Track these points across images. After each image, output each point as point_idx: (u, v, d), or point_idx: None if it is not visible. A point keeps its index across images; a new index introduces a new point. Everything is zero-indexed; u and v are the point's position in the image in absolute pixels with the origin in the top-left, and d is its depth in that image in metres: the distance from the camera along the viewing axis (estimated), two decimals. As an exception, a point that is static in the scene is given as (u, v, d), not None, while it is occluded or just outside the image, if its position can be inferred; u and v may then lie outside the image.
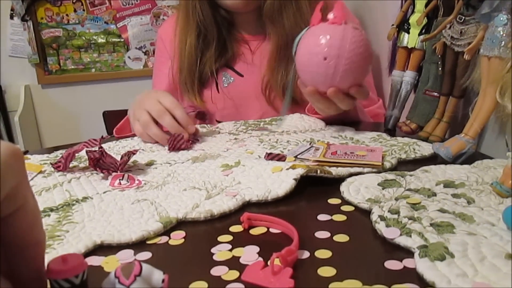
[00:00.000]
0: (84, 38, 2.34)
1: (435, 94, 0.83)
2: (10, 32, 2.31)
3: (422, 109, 0.85)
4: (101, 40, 2.34)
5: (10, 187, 0.26)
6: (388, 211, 0.50)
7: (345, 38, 0.77)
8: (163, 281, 0.36)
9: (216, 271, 0.41)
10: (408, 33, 0.89)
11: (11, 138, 2.30)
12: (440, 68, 0.80)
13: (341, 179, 0.61)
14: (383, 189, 0.57)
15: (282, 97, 1.05)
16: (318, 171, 0.61)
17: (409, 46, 0.88)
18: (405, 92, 0.89)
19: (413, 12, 0.89)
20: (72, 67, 2.34)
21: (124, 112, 1.40)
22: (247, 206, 0.56)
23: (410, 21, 0.88)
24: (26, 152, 0.90)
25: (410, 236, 0.44)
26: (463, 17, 0.74)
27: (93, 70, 2.32)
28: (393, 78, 0.92)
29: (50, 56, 2.33)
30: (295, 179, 0.59)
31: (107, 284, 0.35)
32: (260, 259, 0.43)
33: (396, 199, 0.53)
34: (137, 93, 0.99)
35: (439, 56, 0.79)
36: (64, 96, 2.34)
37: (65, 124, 2.35)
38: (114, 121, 1.35)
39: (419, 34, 0.87)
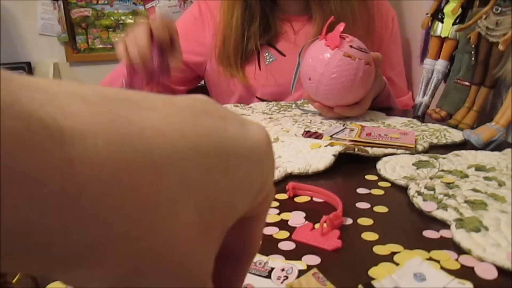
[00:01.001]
0: (112, 18, 2.38)
1: (467, 83, 0.85)
2: (40, 11, 2.36)
3: (453, 97, 0.87)
4: (129, 20, 2.38)
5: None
6: (425, 188, 0.53)
7: (329, 65, 0.82)
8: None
9: (267, 230, 0.45)
10: (442, 22, 0.91)
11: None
12: (473, 58, 0.82)
13: (376, 158, 0.64)
14: (417, 168, 0.60)
15: None
16: (356, 149, 0.64)
17: (442, 36, 0.90)
18: (436, 80, 0.92)
19: (447, 1, 0.91)
20: (100, 46, 2.39)
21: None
22: (288, 178, 0.59)
23: (444, 10, 0.90)
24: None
25: (446, 210, 0.48)
26: (500, 8, 0.76)
27: (121, 49, 2.37)
28: (425, 66, 0.94)
29: (78, 35, 2.38)
30: (334, 155, 0.62)
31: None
32: (307, 222, 0.46)
33: (431, 178, 0.57)
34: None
35: (473, 46, 0.81)
36: (91, 74, 2.39)
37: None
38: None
39: (453, 24, 0.89)
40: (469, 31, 0.83)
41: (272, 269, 0.37)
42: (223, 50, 1.09)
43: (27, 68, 2.36)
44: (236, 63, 1.08)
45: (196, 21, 1.16)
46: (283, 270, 0.36)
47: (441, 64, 0.91)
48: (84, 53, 2.39)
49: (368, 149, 0.67)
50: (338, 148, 0.64)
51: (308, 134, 0.74)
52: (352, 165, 0.64)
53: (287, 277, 0.35)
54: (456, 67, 0.88)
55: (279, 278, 0.36)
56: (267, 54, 1.11)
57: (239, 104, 1.06)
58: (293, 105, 1.02)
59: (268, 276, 0.36)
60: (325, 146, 0.66)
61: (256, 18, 1.06)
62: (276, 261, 0.38)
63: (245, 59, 1.09)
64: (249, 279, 0.37)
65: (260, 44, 1.07)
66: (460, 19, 0.88)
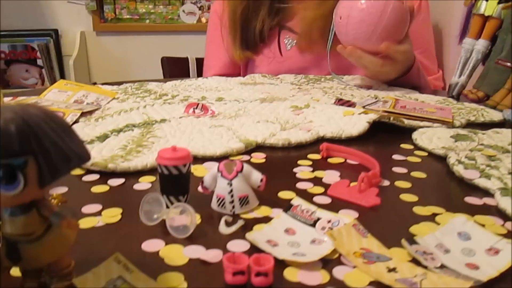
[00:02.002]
0: (140, -11, 2.37)
1: (508, 64, 0.81)
2: (69, -21, 2.36)
3: (492, 78, 0.83)
4: (157, -8, 2.36)
5: None
6: (465, 157, 0.50)
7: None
8: (261, 180, 0.38)
9: (301, 185, 0.44)
10: (487, 0, 0.86)
11: (65, 80, 2.38)
12: (518, 37, 0.78)
13: (411, 130, 0.62)
14: (455, 141, 0.58)
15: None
16: (391, 118, 0.62)
17: (486, 14, 0.86)
18: (475, 60, 0.88)
19: (494, -21, 0.87)
20: (127, 16, 2.38)
21: (181, 60, 1.44)
22: (320, 141, 0.57)
23: (490, -12, 0.86)
24: (94, 83, 0.94)
25: (490, 179, 0.45)
26: (552, -15, 0.72)
27: (147, 21, 2.36)
28: (464, 46, 0.90)
29: (106, 4, 2.38)
30: (368, 122, 0.60)
31: (209, 177, 0.38)
32: (343, 179, 0.45)
33: (471, 150, 0.54)
34: (188, 47, 1.02)
35: (519, 24, 0.78)
36: (116, 44, 2.39)
37: (116, 70, 2.41)
38: (173, 66, 1.39)
39: (499, 3, 0.85)
40: (515, 8, 0.79)
41: (319, 219, 0.35)
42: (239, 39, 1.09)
43: (54, 35, 2.36)
44: (254, 47, 1.08)
45: (217, 26, 1.17)
46: (329, 221, 0.35)
47: (481, 44, 0.87)
48: (111, 22, 2.39)
49: (404, 120, 0.64)
50: (372, 116, 0.62)
51: (340, 102, 0.71)
52: (386, 135, 0.61)
53: (331, 229, 0.34)
54: (498, 47, 0.84)
55: (323, 228, 0.34)
56: (286, 40, 1.10)
57: (267, 75, 1.04)
58: (322, 78, 1.00)
59: (313, 225, 0.35)
60: (359, 114, 0.64)
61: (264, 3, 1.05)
62: (324, 212, 0.36)
63: (264, 44, 1.08)
64: (293, 224, 0.35)
65: (274, 25, 1.07)
66: (506, -4, 0.83)
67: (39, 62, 2.37)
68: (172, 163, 0.37)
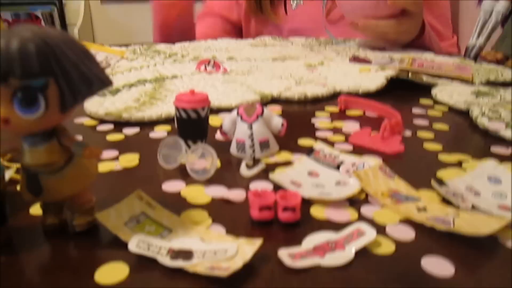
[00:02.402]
0: (145, -44, 2.31)
1: (529, 23, 0.79)
2: None
3: None
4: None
5: None
6: (489, 111, 0.49)
7: None
8: (282, 125, 0.37)
9: (320, 134, 0.42)
10: (508, -43, 0.83)
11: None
12: (540, -5, 0.76)
13: (429, 86, 0.60)
14: (476, 97, 0.56)
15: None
16: (410, 74, 0.60)
17: (507, -28, 0.83)
18: (495, 21, 0.85)
19: None
20: (132, -16, 2.34)
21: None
22: (336, 96, 0.56)
23: None
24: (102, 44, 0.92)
25: (516, 129, 0.44)
26: None
27: (152, -11, 2.32)
28: (483, 7, 0.87)
29: (110, -29, 2.33)
30: (386, 78, 0.58)
31: (228, 121, 0.37)
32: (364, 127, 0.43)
33: (494, 105, 0.52)
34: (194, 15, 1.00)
35: (543, -19, 0.75)
36: (121, 12, 2.35)
37: (121, 39, 2.38)
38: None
39: (520, -40, 0.81)
40: (539, -35, 0.76)
41: (342, 162, 0.34)
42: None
43: (58, 3, 2.33)
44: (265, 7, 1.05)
45: None
46: (353, 164, 0.34)
47: (502, 5, 0.84)
48: (116, -9, 2.35)
49: (423, 77, 0.62)
50: (390, 72, 0.60)
51: (356, 59, 0.69)
52: (404, 91, 0.60)
53: (356, 171, 0.33)
54: (518, 7, 0.81)
55: (347, 171, 0.33)
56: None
57: (277, 37, 1.01)
58: (333, 41, 0.97)
59: (337, 168, 0.34)
60: (376, 70, 0.62)
61: None
62: (348, 156, 0.35)
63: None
64: (316, 167, 0.34)
65: None
66: (529, -46, 0.80)
67: (43, 31, 2.34)
68: (190, 106, 0.35)
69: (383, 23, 0.83)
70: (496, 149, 0.41)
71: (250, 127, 0.36)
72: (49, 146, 0.24)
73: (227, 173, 0.34)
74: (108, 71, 0.67)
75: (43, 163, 0.24)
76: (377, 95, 0.57)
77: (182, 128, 0.37)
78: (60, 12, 2.37)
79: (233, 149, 0.37)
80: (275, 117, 0.37)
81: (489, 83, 0.67)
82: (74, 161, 0.25)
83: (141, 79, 0.60)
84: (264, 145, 0.36)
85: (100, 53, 0.77)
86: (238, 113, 0.37)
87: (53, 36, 0.22)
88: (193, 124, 0.36)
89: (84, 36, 2.31)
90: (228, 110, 0.49)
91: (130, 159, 0.37)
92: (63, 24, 2.37)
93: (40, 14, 2.34)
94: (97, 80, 0.23)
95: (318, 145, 0.37)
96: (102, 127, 0.45)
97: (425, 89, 0.60)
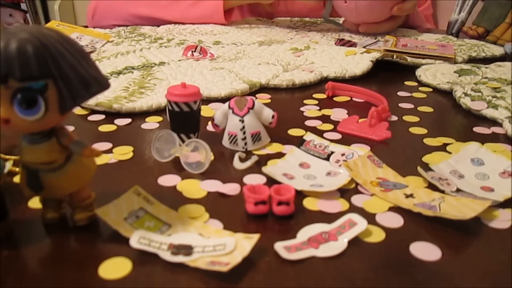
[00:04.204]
0: None
1: (510, -2, 0.80)
2: None
3: (492, 13, 0.82)
4: None
5: None
6: (471, 90, 0.50)
7: None
8: (273, 116, 0.38)
9: (310, 123, 0.43)
10: None
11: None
12: (521, -30, 0.77)
13: (414, 67, 0.61)
14: (459, 76, 0.57)
15: None
16: (394, 56, 0.61)
17: None
18: (476, -4, 0.86)
19: None
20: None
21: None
22: (324, 82, 0.57)
23: None
24: (86, 27, 0.91)
25: (497, 109, 0.45)
26: None
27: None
28: (464, -19, 0.88)
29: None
30: (371, 61, 0.59)
31: (220, 114, 0.38)
32: (352, 116, 0.44)
33: (475, 83, 0.54)
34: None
35: (523, -45, 0.75)
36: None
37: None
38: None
39: None
40: None
41: (332, 153, 0.35)
42: None
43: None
44: None
45: None
46: (343, 154, 0.35)
47: (482, -21, 0.85)
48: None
49: (407, 57, 0.63)
50: (375, 55, 0.61)
51: (341, 42, 0.70)
52: (390, 73, 0.61)
53: (346, 162, 0.34)
54: (499, -19, 0.82)
55: (337, 161, 0.34)
56: None
57: (261, 18, 1.01)
58: (318, 21, 0.97)
59: (327, 158, 0.35)
60: (361, 53, 0.63)
61: None
62: (337, 146, 0.36)
63: None
64: (307, 158, 0.35)
65: None
66: None
67: (23, 6, 2.28)
68: (182, 100, 0.36)
69: (384, 26, 0.83)
70: (479, 129, 0.43)
71: (242, 120, 0.36)
72: (48, 144, 0.24)
73: (221, 166, 0.35)
74: (94, 55, 0.67)
75: (43, 161, 0.25)
76: (363, 78, 0.58)
77: (175, 121, 0.37)
78: (40, -13, 2.30)
79: (225, 141, 0.38)
80: (265, 109, 0.38)
81: (471, 59, 0.68)
82: (74, 159, 0.25)
83: (128, 66, 0.60)
84: (256, 137, 0.37)
85: (85, 37, 0.76)
86: (229, 106, 0.37)
87: (50, 36, 0.22)
88: (185, 117, 0.37)
89: (65, 12, 2.25)
90: (218, 100, 0.49)
91: (124, 152, 0.37)
92: (43, 0, 2.31)
93: (19, -11, 2.27)
94: (95, 83, 0.24)
95: (308, 136, 0.38)
96: (94, 117, 0.45)
97: (410, 70, 0.61)
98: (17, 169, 0.33)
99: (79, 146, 0.25)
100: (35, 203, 0.29)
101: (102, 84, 0.24)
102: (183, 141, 0.37)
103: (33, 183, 0.25)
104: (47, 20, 2.30)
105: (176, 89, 0.36)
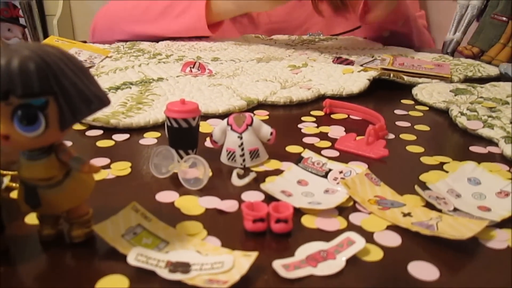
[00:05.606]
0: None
1: (504, 18, 0.81)
2: None
3: (487, 33, 0.83)
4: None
5: None
6: (467, 109, 0.51)
7: None
8: (271, 134, 0.38)
9: (308, 140, 0.44)
10: (483, -46, 0.85)
11: (48, 43, 2.32)
12: (514, -9, 0.78)
13: (410, 86, 0.62)
14: (455, 95, 0.58)
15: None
16: (391, 75, 0.62)
17: (482, -31, 0.85)
18: (471, 16, 0.87)
19: None
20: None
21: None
22: (321, 99, 0.57)
23: None
24: (85, 42, 0.92)
25: (493, 128, 0.46)
26: None
27: (131, -17, 2.29)
28: (459, 2, 0.90)
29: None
30: (368, 80, 0.60)
31: (218, 130, 0.38)
32: (349, 133, 0.45)
33: (471, 103, 0.54)
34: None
35: (516, -22, 0.77)
36: (100, 4, 2.31)
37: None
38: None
39: (495, -44, 0.84)
40: (512, -38, 0.78)
41: (330, 170, 0.36)
42: None
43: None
44: None
45: None
46: (341, 172, 0.35)
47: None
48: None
49: (404, 76, 0.64)
50: (372, 73, 0.62)
51: (339, 60, 0.71)
52: (386, 91, 0.61)
53: (344, 179, 0.34)
54: (493, 2, 0.84)
55: (335, 179, 0.34)
56: None
57: (260, 36, 1.02)
58: (317, 38, 0.98)
59: (325, 176, 0.35)
60: (358, 71, 0.64)
61: None
62: (335, 164, 0.36)
63: None
64: (305, 175, 0.35)
65: None
66: (503, -50, 0.83)
67: (22, 21, 2.29)
68: (181, 116, 0.36)
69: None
70: (475, 148, 0.43)
71: (240, 137, 0.36)
72: (47, 161, 0.24)
73: (219, 182, 0.35)
74: (92, 71, 0.67)
75: (41, 177, 0.25)
76: (360, 95, 0.58)
77: (173, 137, 0.37)
78: (39, 2, 2.32)
79: (223, 158, 0.38)
80: (264, 126, 0.38)
81: (466, 79, 0.69)
82: (72, 175, 0.25)
83: (126, 82, 0.60)
84: (254, 154, 0.37)
85: (84, 52, 0.76)
86: (228, 122, 0.37)
87: (51, 54, 0.22)
88: (184, 133, 0.37)
89: (64, 27, 2.27)
90: (216, 116, 0.50)
91: (122, 167, 0.37)
92: (42, 15, 2.32)
93: (18, 3, 2.29)
94: (96, 99, 0.24)
95: (306, 153, 0.38)
96: (91, 133, 0.45)
97: (406, 88, 0.61)
98: (14, 185, 0.33)
99: (78, 162, 0.25)
100: (32, 219, 0.29)
101: (102, 100, 0.24)
102: (181, 157, 0.37)
103: (31, 199, 0.25)
104: (46, 35, 2.31)
105: (175, 105, 0.36)
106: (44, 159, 0.24)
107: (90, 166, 0.25)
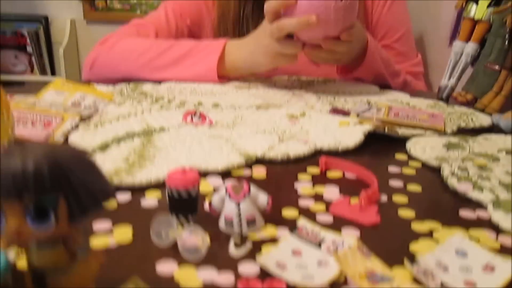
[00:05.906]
0: (131, -21, 2.34)
1: (497, 67, 0.84)
2: (60, -34, 2.32)
3: (480, 81, 0.86)
4: (148, -16, 2.34)
5: None
6: (458, 169, 0.53)
7: None
8: (268, 203, 0.39)
9: (303, 202, 0.45)
10: (477, 4, 0.88)
11: (53, 69, 2.36)
12: (506, 42, 0.81)
13: (404, 139, 0.64)
14: (448, 150, 0.60)
15: None
16: (386, 129, 0.64)
17: (476, 18, 0.88)
18: (465, 63, 0.90)
19: (483, -17, 0.89)
20: (119, 6, 2.35)
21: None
22: (318, 154, 0.59)
23: (479, -8, 0.88)
24: (89, 81, 0.94)
25: (482, 191, 0.47)
26: (539, -7, 0.74)
27: (139, 11, 2.34)
28: (454, 48, 0.93)
29: (97, -8, 2.35)
30: (364, 134, 0.62)
31: (218, 198, 0.40)
32: (344, 197, 0.46)
33: (462, 160, 0.56)
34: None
35: (508, 29, 0.80)
36: (106, 34, 2.36)
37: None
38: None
39: (488, 6, 0.87)
40: (504, 14, 0.81)
41: (323, 239, 0.37)
42: (220, 26, 1.07)
43: (44, 22, 2.34)
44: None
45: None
46: (334, 242, 0.37)
47: (471, 47, 0.89)
48: (102, 11, 2.37)
49: (397, 129, 0.66)
50: (368, 127, 0.64)
51: (335, 111, 0.73)
52: (381, 144, 0.63)
53: (336, 251, 0.35)
54: (486, 51, 0.87)
55: (328, 249, 0.36)
56: None
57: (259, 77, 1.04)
58: (315, 81, 1.01)
59: (319, 245, 0.37)
60: (355, 124, 0.66)
61: None
62: (328, 234, 0.38)
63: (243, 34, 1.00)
64: (299, 245, 0.37)
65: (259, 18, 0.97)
66: (495, 1, 0.86)
67: (29, 49, 2.34)
68: (182, 187, 0.38)
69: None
70: (465, 212, 0.45)
71: (238, 206, 0.38)
72: (56, 250, 0.26)
73: (217, 248, 0.37)
74: (96, 118, 0.69)
75: (49, 266, 0.26)
76: (355, 149, 0.60)
77: (173, 204, 0.39)
78: (46, 31, 2.38)
79: (221, 224, 0.39)
80: (260, 195, 0.40)
81: (460, 130, 0.71)
82: (80, 263, 0.27)
83: (129, 132, 0.62)
84: (251, 222, 0.38)
85: (88, 97, 0.78)
86: (226, 191, 0.39)
87: (64, 155, 0.24)
88: (184, 202, 0.39)
89: (70, 55, 2.32)
90: (215, 173, 0.51)
91: (124, 233, 0.39)
92: (49, 43, 2.37)
93: (26, 32, 2.34)
94: (102, 195, 0.26)
95: (301, 222, 0.40)
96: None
97: (401, 140, 0.63)
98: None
99: (84, 251, 0.26)
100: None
101: (108, 194, 0.26)
102: (181, 222, 0.39)
103: (39, 284, 0.26)
104: (52, 62, 2.36)
105: (176, 175, 0.38)
106: (52, 248, 0.26)
107: (96, 256, 0.26)
